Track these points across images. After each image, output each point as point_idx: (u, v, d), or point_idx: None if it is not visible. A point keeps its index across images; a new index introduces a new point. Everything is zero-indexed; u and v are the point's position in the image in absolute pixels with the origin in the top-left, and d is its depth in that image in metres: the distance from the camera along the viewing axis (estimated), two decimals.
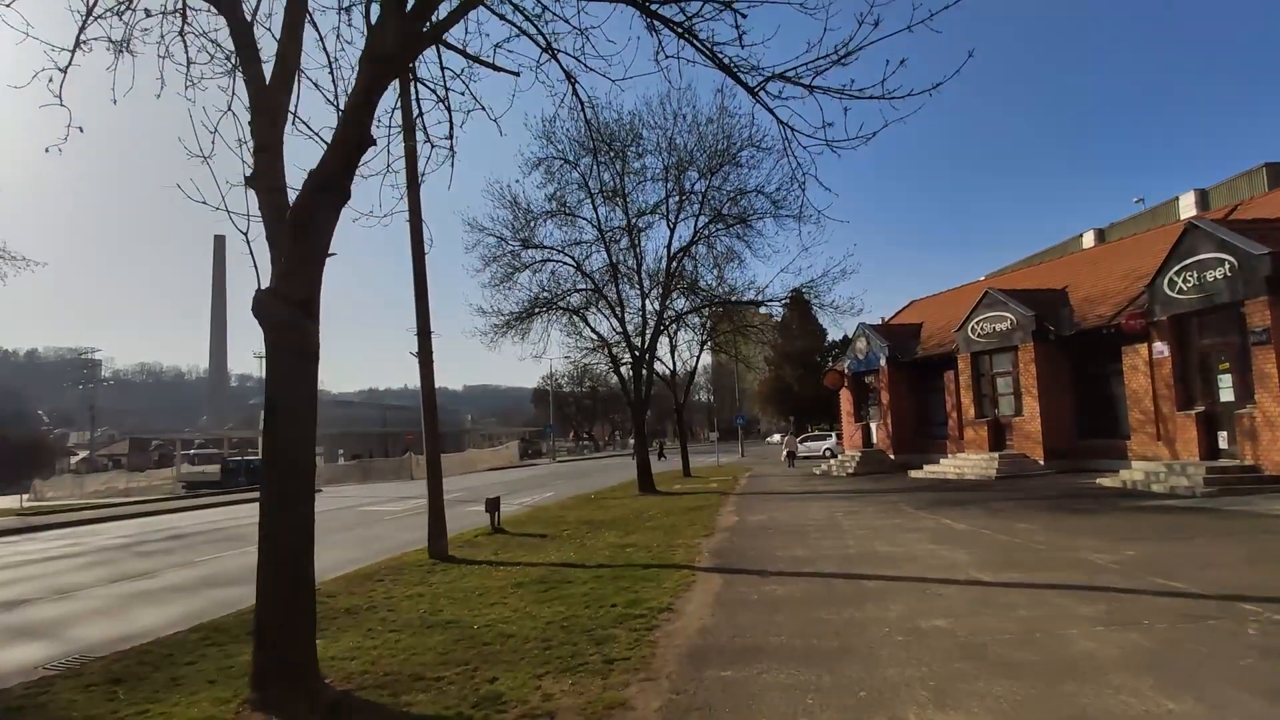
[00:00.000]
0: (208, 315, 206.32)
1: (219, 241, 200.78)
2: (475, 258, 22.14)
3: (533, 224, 21.76)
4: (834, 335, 61.70)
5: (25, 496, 49.48)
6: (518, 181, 21.64)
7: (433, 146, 10.43)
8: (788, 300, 23.10)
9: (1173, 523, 10.44)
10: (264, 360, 5.88)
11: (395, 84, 10.20)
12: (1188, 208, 31.43)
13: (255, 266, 6.13)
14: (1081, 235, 41.38)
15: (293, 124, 7.89)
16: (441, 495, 12.80)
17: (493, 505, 15.31)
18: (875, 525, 11.83)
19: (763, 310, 30.18)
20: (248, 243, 6.04)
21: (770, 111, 7.42)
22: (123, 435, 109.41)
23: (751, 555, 9.76)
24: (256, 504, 5.68)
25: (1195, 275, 15.26)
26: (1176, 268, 15.75)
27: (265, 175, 6.06)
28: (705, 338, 30.67)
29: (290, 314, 5.73)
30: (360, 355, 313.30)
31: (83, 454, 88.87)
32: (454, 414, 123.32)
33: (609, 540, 12.63)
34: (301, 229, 5.83)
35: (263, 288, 5.80)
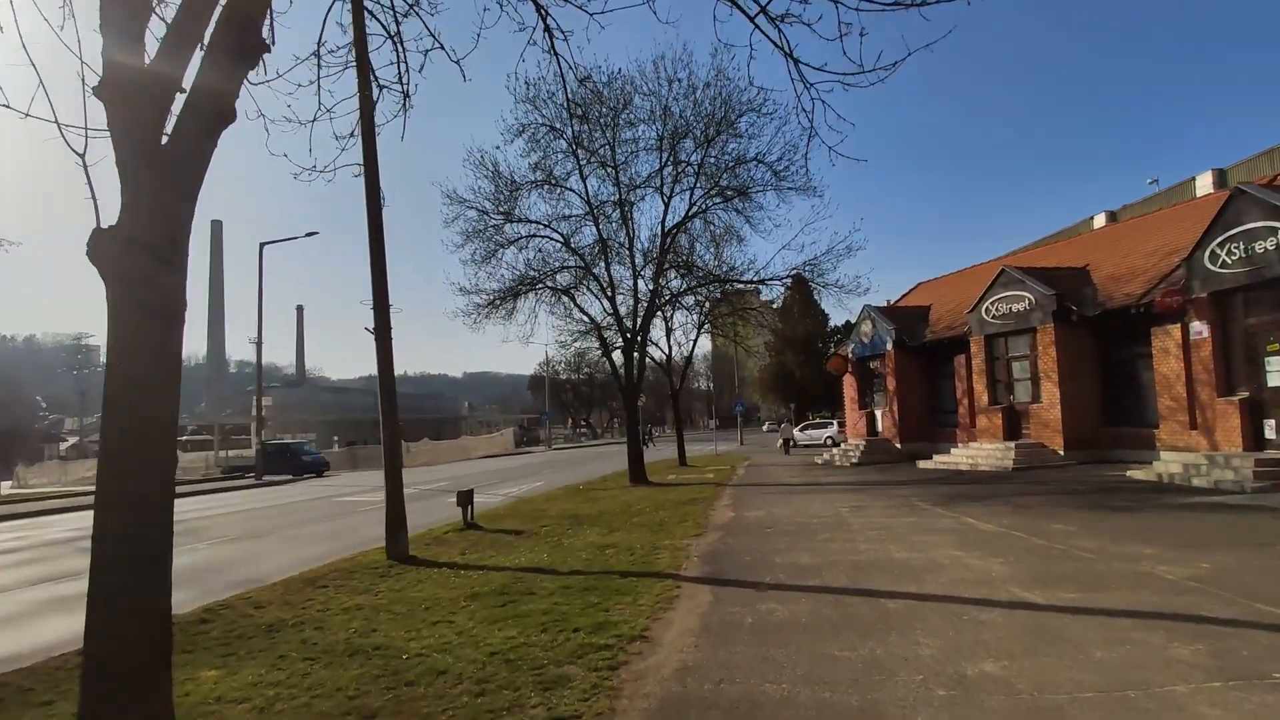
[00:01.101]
0: (205, 300, 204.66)
1: (215, 226, 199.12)
2: (455, 233, 20.67)
3: (516, 196, 20.29)
4: (836, 320, 60.32)
5: (8, 484, 48.30)
6: (498, 148, 20.04)
7: (381, 88, 9.05)
8: (789, 279, 21.66)
9: (1234, 525, 9.08)
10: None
11: (341, 17, 8.77)
12: (1205, 188, 29.97)
13: (93, 198, 4.73)
14: (1092, 218, 39.97)
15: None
16: (401, 489, 11.45)
17: (465, 498, 13.97)
18: (887, 524, 10.47)
19: (763, 296, 28.83)
20: (84, 168, 4.64)
21: (773, 37, 6.05)
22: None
23: (747, 561, 8.41)
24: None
25: (1242, 246, 13.83)
26: (1220, 239, 14.31)
27: (117, 84, 4.64)
28: (702, 320, 29.29)
29: (139, 261, 4.31)
30: (359, 341, 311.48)
31: (73, 440, 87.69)
32: (452, 401, 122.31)
33: (589, 539, 11.31)
34: (158, 151, 4.42)
35: (101, 227, 4.40)
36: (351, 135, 9.21)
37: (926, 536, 9.12)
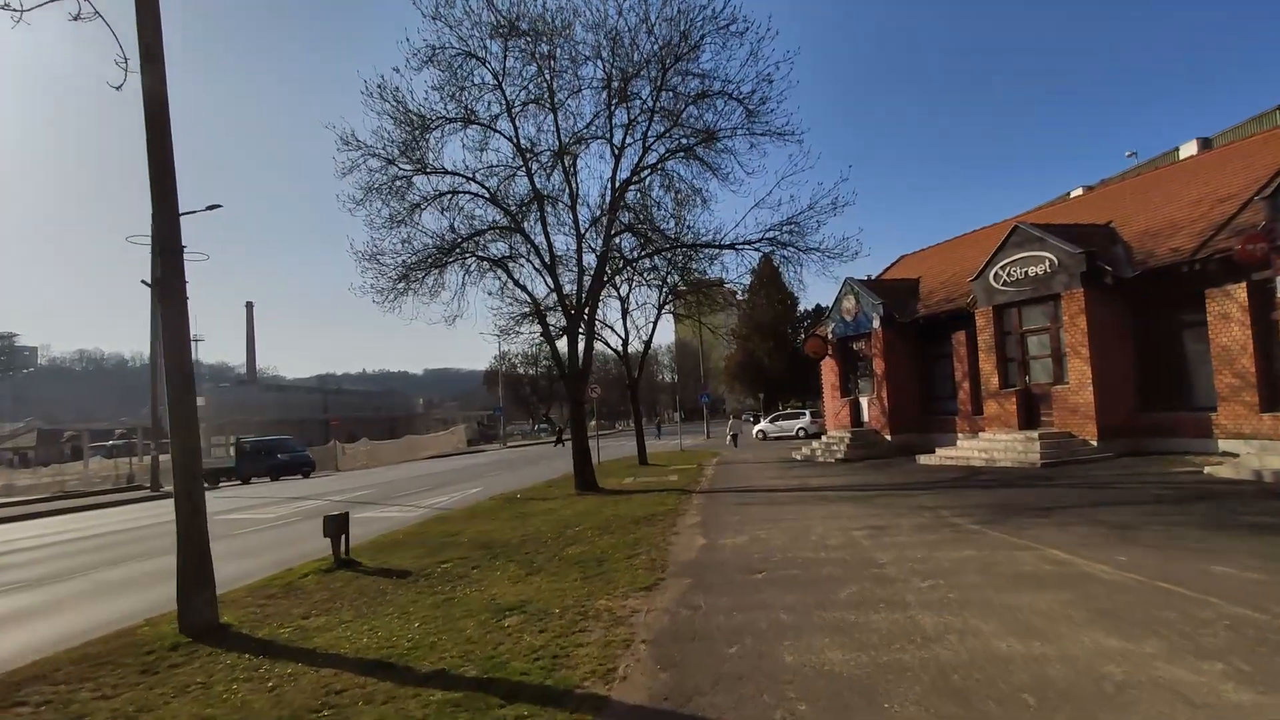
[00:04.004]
0: (148, 298, 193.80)
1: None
2: (354, 186, 16.62)
3: (427, 137, 16.26)
4: (806, 304, 57.36)
5: None
6: (397, 70, 15.95)
7: None
8: (764, 241, 18.01)
9: None
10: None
11: None
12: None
13: None
14: (1069, 193, 37.72)
15: None
16: (202, 524, 7.54)
17: (336, 528, 10.12)
18: (936, 562, 6.94)
19: (731, 278, 25.31)
20: None
21: None
22: (50, 425, 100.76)
23: (731, 657, 4.77)
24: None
25: None
26: None
27: None
28: (663, 300, 25.65)
29: None
30: (318, 337, 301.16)
31: None
32: (407, 398, 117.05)
33: (494, 590, 7.64)
34: None
35: None
36: None
37: (1022, 594, 5.58)
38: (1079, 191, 35.75)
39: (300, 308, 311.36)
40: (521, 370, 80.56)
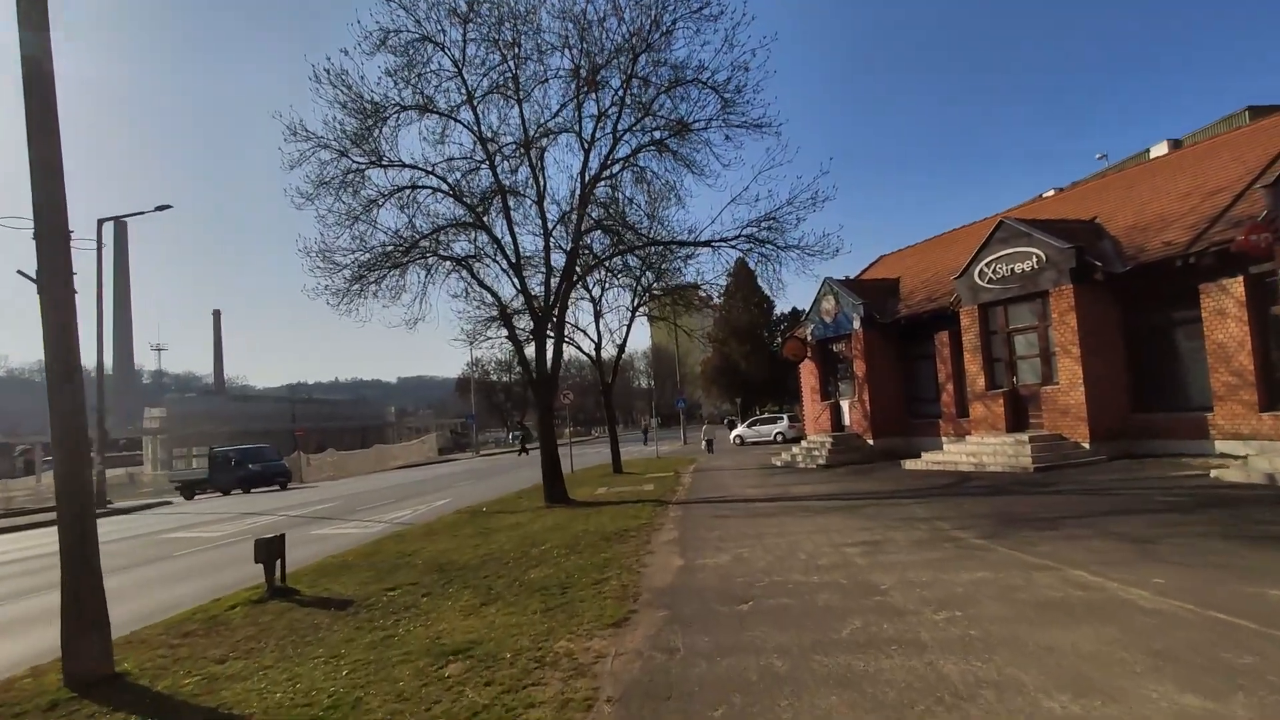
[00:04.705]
0: (110, 306, 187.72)
1: (119, 227, 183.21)
2: (304, 180, 15.49)
3: (381, 124, 15.19)
4: (783, 307, 56.84)
5: None
6: (345, 51, 14.84)
7: None
8: (741, 238, 17.19)
9: None
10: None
11: None
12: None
13: None
14: (1042, 195, 37.63)
15: None
16: (94, 547, 6.45)
17: (270, 552, 9.01)
18: (945, 585, 6.09)
19: (707, 278, 24.58)
20: None
21: None
22: (5, 438, 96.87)
23: None
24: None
25: None
26: None
27: None
28: (637, 302, 24.75)
29: None
30: (287, 347, 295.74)
31: None
32: (379, 407, 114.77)
33: (442, 625, 6.65)
34: None
35: None
36: None
37: (1057, 630, 4.73)
38: (1051, 193, 35.60)
39: (273, 316, 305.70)
40: (495, 376, 79.22)
